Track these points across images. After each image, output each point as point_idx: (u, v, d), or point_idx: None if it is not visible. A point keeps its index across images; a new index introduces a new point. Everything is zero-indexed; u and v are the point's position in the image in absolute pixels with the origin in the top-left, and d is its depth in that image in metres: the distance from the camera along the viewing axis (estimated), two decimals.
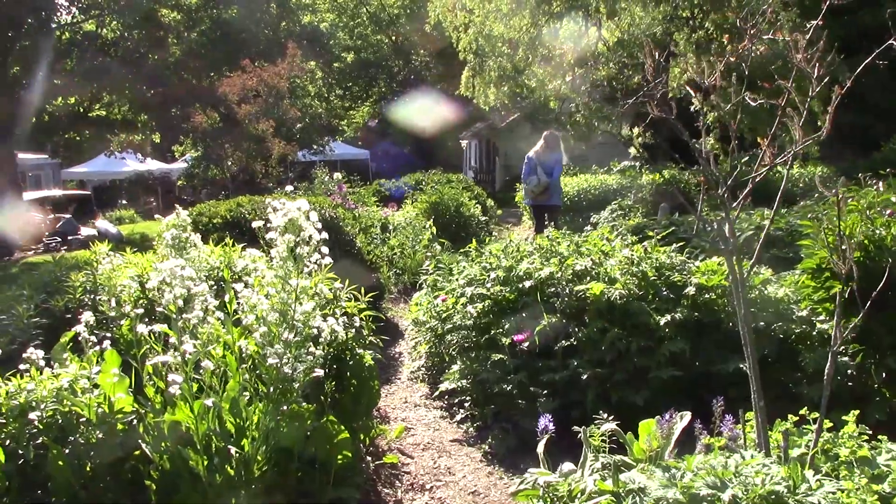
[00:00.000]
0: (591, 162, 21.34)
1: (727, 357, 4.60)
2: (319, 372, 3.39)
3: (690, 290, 4.81)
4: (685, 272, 5.06)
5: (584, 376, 4.54)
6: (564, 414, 4.37)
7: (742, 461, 2.64)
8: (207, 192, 25.16)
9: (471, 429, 4.99)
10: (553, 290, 5.07)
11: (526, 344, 4.78)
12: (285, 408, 3.35)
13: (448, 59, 30.86)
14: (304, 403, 3.49)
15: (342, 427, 3.61)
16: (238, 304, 3.43)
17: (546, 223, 8.94)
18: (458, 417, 5.16)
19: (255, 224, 3.48)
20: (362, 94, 45.81)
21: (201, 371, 3.19)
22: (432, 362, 6.08)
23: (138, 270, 4.67)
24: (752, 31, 3.25)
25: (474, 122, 33.96)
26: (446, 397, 5.52)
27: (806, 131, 2.99)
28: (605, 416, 3.54)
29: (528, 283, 5.12)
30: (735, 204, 3.42)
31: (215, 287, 4.16)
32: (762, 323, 4.59)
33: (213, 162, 21.69)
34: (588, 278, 5.02)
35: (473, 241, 6.94)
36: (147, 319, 3.60)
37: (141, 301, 4.38)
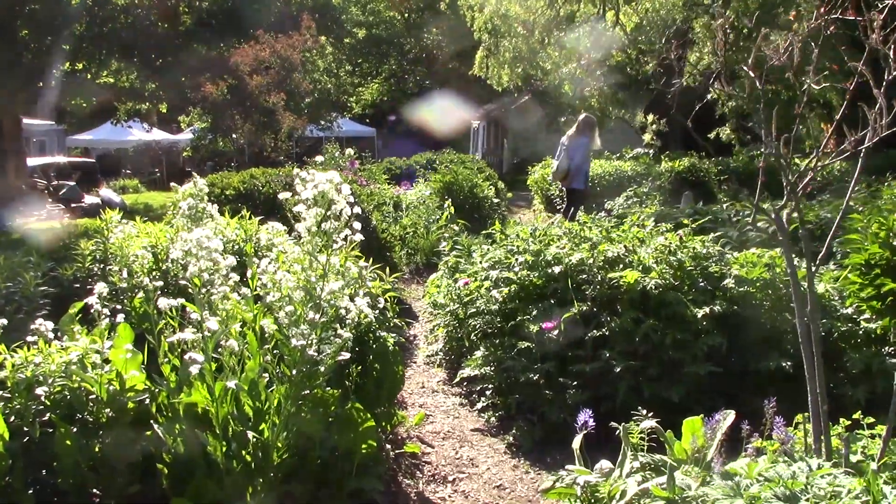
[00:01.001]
0: (603, 148, 21.04)
1: (765, 354, 4.40)
2: (345, 355, 3.18)
3: (729, 282, 4.61)
4: (723, 263, 4.84)
5: (617, 369, 4.32)
6: (593, 407, 4.15)
7: (810, 471, 2.43)
8: (212, 165, 24.87)
9: (493, 418, 4.77)
10: (584, 276, 4.84)
11: (555, 332, 4.56)
12: (307, 392, 3.14)
13: (461, 38, 30.42)
14: (328, 389, 3.28)
15: (367, 415, 3.40)
16: (260, 280, 3.21)
17: (573, 208, 8.81)
18: (479, 406, 4.94)
19: (281, 195, 3.25)
20: (372, 70, 45.31)
21: (220, 350, 2.98)
22: (450, 347, 5.84)
23: (152, 240, 4.45)
24: (822, 10, 3.02)
25: (483, 103, 33.58)
26: (465, 384, 5.29)
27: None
28: (641, 411, 3.34)
29: (557, 269, 4.89)
30: (797, 193, 3.20)
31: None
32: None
33: (222, 133, 21.39)
34: (621, 266, 4.80)
35: (497, 222, 6.69)
36: (159, 293, 3.39)
37: (154, 273, 4.16)
